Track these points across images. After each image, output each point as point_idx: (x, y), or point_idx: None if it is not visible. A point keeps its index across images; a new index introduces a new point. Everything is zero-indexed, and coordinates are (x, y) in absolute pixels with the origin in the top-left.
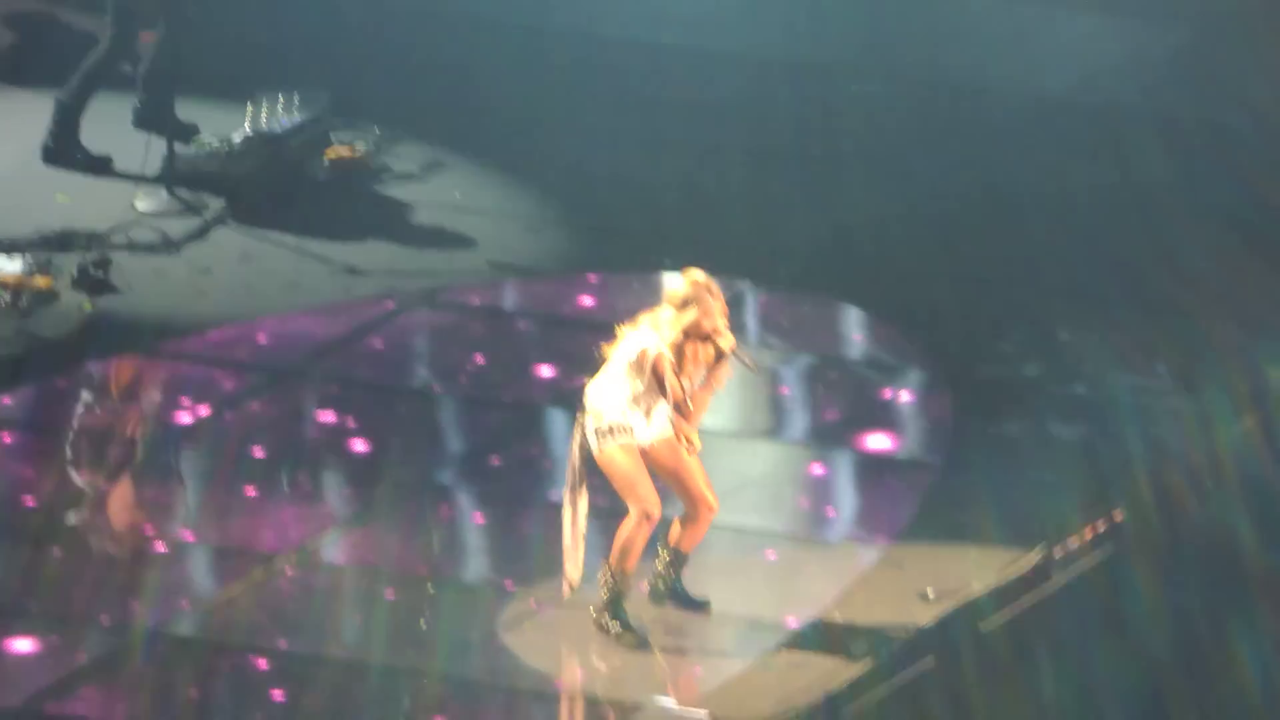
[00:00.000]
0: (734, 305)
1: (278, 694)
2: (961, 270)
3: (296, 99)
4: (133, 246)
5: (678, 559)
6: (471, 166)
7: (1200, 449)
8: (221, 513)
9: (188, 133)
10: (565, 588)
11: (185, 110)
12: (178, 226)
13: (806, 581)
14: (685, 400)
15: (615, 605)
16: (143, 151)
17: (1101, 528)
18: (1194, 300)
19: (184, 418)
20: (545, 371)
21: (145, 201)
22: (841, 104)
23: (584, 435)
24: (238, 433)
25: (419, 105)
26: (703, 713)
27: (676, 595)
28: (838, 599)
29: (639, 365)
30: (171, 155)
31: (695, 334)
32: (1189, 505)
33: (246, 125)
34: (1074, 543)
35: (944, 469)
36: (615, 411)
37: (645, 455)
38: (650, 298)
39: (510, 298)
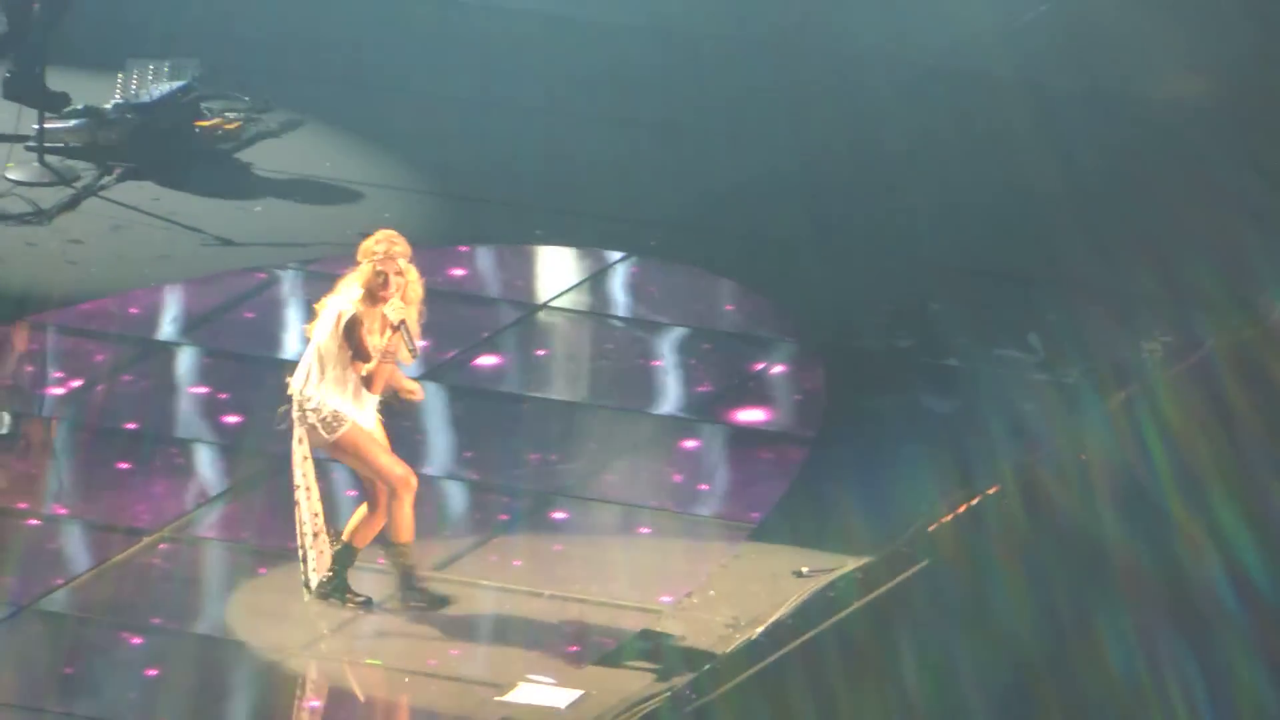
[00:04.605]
0: (604, 276)
1: (150, 671)
2: (832, 241)
3: (167, 68)
4: (4, 217)
5: (347, 554)
6: (342, 138)
7: (1067, 427)
8: (92, 487)
9: (58, 102)
10: (312, 586)
11: (56, 80)
12: (49, 196)
13: (678, 558)
14: (377, 361)
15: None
16: (13, 121)
17: (972, 505)
18: (1063, 272)
19: (55, 390)
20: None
21: (16, 171)
22: (710, 71)
23: (307, 429)
24: (109, 406)
25: (289, 75)
26: (576, 692)
27: (344, 589)
28: (710, 576)
29: (336, 331)
30: (42, 125)
31: (374, 292)
32: (1056, 486)
33: (117, 94)
34: (944, 520)
35: (816, 443)
36: (332, 396)
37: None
38: (520, 268)
39: None
